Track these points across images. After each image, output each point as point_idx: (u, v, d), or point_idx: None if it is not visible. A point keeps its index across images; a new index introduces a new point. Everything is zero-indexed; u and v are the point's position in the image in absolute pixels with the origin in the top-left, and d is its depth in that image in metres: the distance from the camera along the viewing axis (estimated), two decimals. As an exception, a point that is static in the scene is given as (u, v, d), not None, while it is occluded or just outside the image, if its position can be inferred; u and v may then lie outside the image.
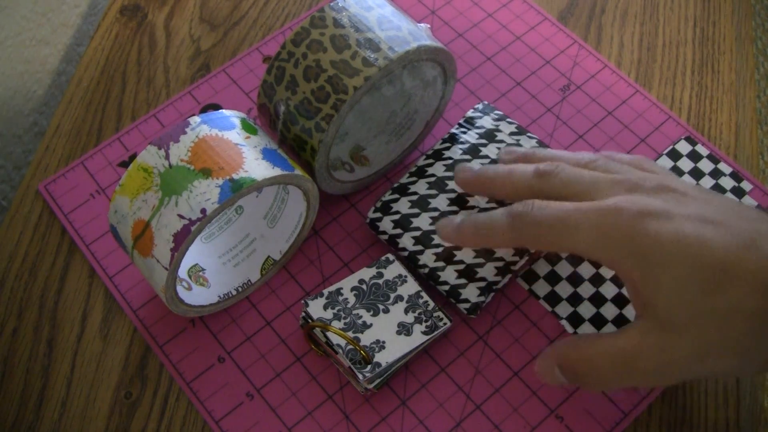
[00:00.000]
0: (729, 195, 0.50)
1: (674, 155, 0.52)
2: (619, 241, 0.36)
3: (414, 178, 0.48)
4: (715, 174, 0.51)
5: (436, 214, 0.47)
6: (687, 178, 0.50)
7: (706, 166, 0.51)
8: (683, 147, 0.52)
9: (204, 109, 0.54)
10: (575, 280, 0.47)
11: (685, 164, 0.51)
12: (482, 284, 0.45)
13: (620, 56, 0.57)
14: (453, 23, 0.58)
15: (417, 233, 0.46)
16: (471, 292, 0.45)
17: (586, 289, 0.47)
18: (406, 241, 0.46)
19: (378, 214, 0.47)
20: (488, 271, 0.45)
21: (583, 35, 0.58)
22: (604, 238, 0.37)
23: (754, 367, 0.37)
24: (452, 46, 0.57)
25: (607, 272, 0.47)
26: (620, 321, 0.45)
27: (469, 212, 0.43)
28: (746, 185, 0.50)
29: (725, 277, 0.35)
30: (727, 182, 0.50)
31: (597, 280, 0.47)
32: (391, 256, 0.46)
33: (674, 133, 0.53)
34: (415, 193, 0.47)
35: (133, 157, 0.52)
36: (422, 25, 0.46)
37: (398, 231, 0.46)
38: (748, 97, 0.56)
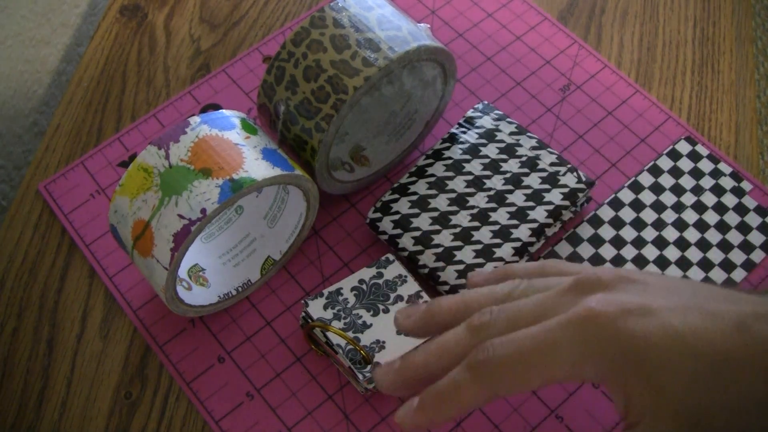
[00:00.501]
0: (729, 195, 0.50)
1: (674, 155, 0.52)
2: (607, 350, 0.32)
3: (414, 178, 0.48)
4: (715, 174, 0.51)
5: (436, 214, 0.47)
6: (687, 178, 0.51)
7: (706, 166, 0.51)
8: (683, 147, 0.52)
9: (204, 109, 0.54)
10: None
11: (685, 164, 0.51)
12: None
13: (620, 56, 0.57)
14: (453, 23, 0.58)
15: (417, 233, 0.46)
16: None
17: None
18: (406, 242, 0.46)
19: (378, 215, 0.47)
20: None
21: (583, 35, 0.58)
22: (590, 350, 0.32)
23: None
24: (452, 46, 0.57)
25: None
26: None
27: (423, 393, 0.35)
28: (746, 185, 0.50)
29: (729, 366, 0.31)
30: (727, 182, 0.50)
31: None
32: (391, 256, 0.46)
33: (674, 133, 0.53)
34: (415, 193, 0.47)
35: (133, 157, 0.52)
36: (422, 25, 0.46)
37: (398, 231, 0.46)
38: (748, 97, 0.56)
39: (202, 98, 0.55)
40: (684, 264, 0.48)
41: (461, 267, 0.45)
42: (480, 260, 0.45)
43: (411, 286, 0.45)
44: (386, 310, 0.44)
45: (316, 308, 0.44)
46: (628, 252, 0.48)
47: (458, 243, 0.46)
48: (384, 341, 0.43)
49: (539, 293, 0.35)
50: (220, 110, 0.44)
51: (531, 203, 0.47)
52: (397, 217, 0.47)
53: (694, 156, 0.52)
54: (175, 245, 0.39)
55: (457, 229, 0.46)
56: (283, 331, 0.46)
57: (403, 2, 0.59)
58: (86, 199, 0.51)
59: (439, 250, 0.46)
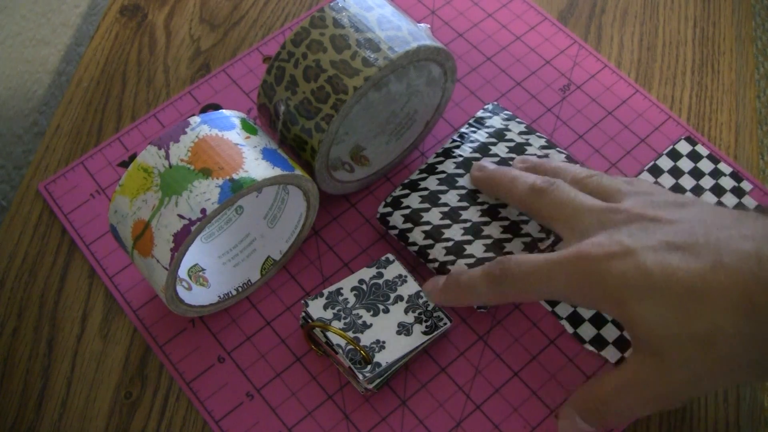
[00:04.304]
0: (729, 195, 0.50)
1: (674, 155, 0.52)
2: (592, 287, 0.38)
3: (424, 175, 0.48)
4: (715, 174, 0.51)
5: (446, 209, 0.47)
6: (687, 178, 0.51)
7: (706, 166, 0.51)
8: (683, 147, 0.52)
9: (204, 109, 0.54)
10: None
11: (685, 164, 0.51)
12: None
13: (620, 56, 0.57)
14: (453, 23, 0.58)
15: (427, 227, 0.46)
16: None
17: (586, 289, 0.47)
18: (417, 236, 0.46)
19: (388, 209, 0.47)
20: None
21: (583, 35, 0.58)
22: (577, 286, 0.38)
23: (751, 380, 0.37)
24: (452, 46, 0.57)
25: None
26: (620, 321, 0.46)
27: (449, 275, 0.43)
28: (746, 185, 0.50)
29: (695, 302, 0.35)
30: (727, 182, 0.50)
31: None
32: (391, 256, 0.46)
33: (674, 133, 0.53)
34: (425, 189, 0.47)
35: (133, 157, 0.52)
36: (422, 25, 0.46)
37: (408, 225, 0.46)
38: (748, 97, 0.56)
39: (202, 98, 0.55)
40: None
41: (471, 261, 0.45)
42: (490, 254, 0.45)
43: (411, 286, 0.45)
44: (386, 310, 0.44)
45: (316, 308, 0.44)
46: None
47: (468, 237, 0.46)
48: (384, 341, 0.43)
49: (586, 201, 0.41)
50: (220, 110, 0.44)
51: None
52: (407, 211, 0.47)
53: (694, 156, 0.52)
54: (175, 245, 0.39)
55: (468, 224, 0.46)
56: (283, 331, 0.46)
57: (403, 2, 0.59)
58: (86, 199, 0.51)
59: (450, 244, 0.46)
